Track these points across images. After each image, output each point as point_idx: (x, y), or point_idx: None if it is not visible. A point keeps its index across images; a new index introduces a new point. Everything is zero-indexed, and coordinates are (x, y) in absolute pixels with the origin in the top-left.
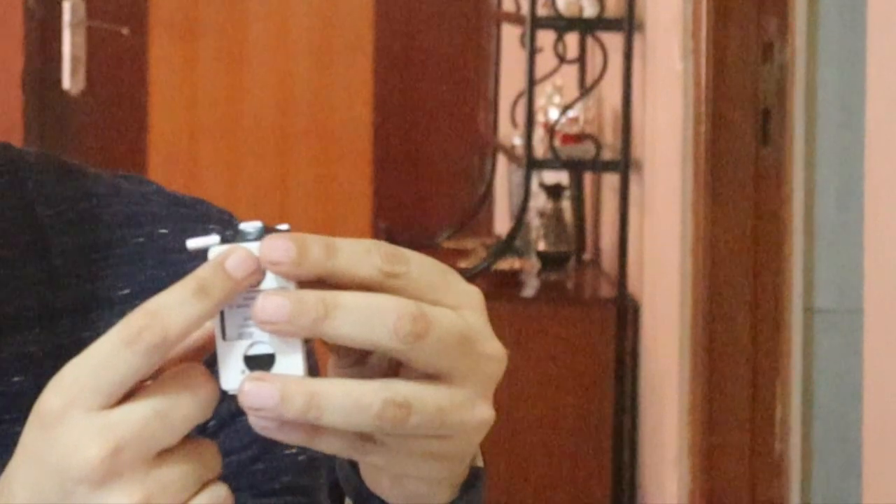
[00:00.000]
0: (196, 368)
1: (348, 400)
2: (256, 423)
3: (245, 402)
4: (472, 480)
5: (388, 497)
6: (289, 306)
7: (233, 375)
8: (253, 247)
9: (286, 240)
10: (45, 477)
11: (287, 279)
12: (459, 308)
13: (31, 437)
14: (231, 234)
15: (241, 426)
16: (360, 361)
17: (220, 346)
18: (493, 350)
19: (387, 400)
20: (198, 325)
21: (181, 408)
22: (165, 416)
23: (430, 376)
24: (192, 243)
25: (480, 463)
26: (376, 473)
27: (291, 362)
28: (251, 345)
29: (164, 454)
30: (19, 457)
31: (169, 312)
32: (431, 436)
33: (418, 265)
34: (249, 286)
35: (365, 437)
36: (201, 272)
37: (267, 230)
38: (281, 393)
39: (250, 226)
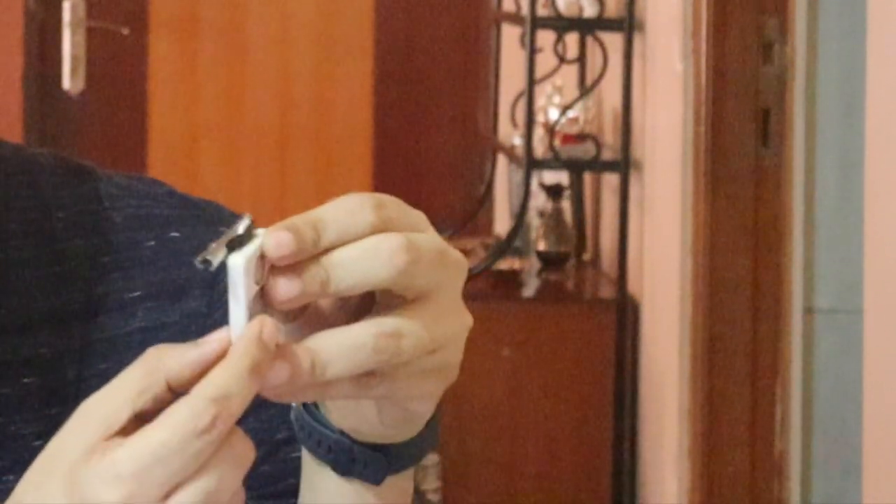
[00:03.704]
0: (238, 435)
1: (343, 346)
2: (270, 393)
3: (263, 390)
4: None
5: (375, 429)
6: (297, 281)
7: None
8: (252, 249)
9: (281, 235)
10: None
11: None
12: (421, 229)
13: None
14: (237, 241)
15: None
16: (297, 317)
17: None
18: (458, 257)
19: (378, 334)
20: (251, 399)
21: (229, 482)
22: (216, 494)
23: (410, 300)
24: (209, 258)
25: None
26: (358, 413)
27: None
28: None
29: None
30: None
31: (234, 398)
32: (425, 353)
33: (391, 204)
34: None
35: (369, 374)
36: (250, 350)
37: (251, 227)
38: (290, 367)
39: (241, 226)
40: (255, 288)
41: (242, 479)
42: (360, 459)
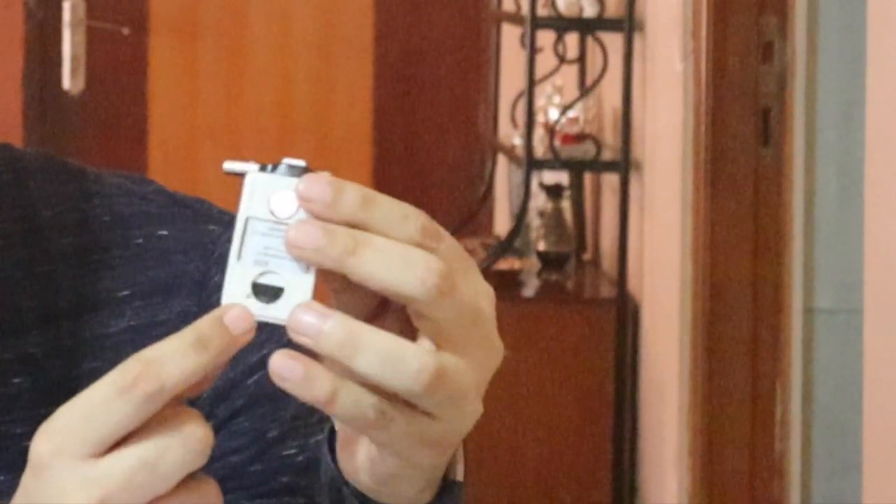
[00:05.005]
0: (187, 413)
1: (388, 352)
2: (284, 371)
3: (292, 325)
4: (449, 489)
5: (363, 479)
6: (320, 234)
7: (237, 296)
8: (290, 182)
9: (325, 181)
10: None
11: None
12: (476, 291)
13: (26, 480)
14: (271, 166)
15: (240, 427)
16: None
17: (232, 265)
18: (497, 341)
19: (426, 365)
20: (194, 377)
21: (170, 457)
22: (154, 467)
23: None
24: (229, 166)
25: (460, 476)
26: (354, 457)
27: (299, 300)
28: (263, 273)
29: (156, 501)
30: (21, 496)
31: (166, 363)
32: (427, 415)
33: (448, 246)
34: (246, 342)
35: (379, 414)
36: (200, 325)
37: (309, 171)
38: (323, 322)
39: (294, 162)
40: (270, 217)
41: (189, 463)
42: (348, 501)
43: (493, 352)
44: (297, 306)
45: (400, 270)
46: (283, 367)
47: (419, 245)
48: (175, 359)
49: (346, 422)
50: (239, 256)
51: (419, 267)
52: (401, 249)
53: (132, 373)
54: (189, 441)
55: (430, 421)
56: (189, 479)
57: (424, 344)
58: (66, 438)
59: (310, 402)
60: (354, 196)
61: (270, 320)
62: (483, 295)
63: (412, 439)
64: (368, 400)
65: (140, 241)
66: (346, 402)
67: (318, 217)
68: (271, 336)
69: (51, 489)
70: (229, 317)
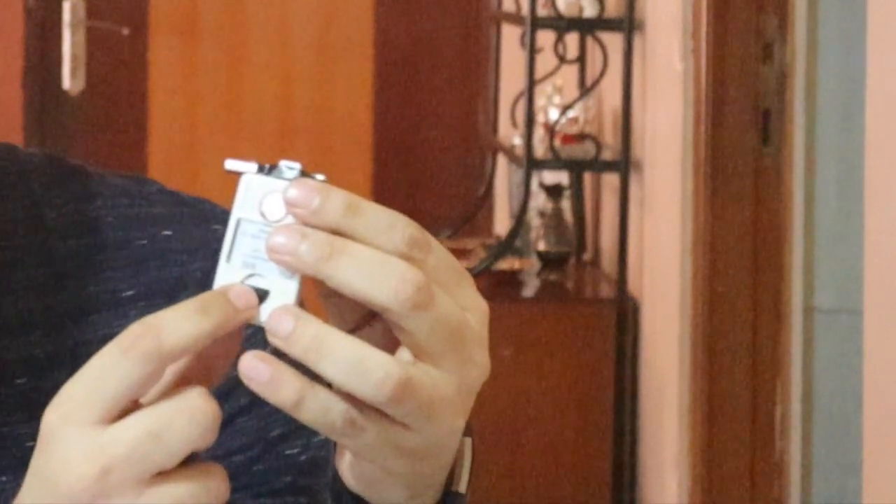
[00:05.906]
0: (195, 390)
1: (353, 358)
2: (250, 369)
3: (267, 327)
4: (449, 500)
5: (349, 481)
6: (297, 239)
7: None
8: (282, 185)
9: (311, 188)
10: (43, 492)
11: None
12: (464, 310)
13: (35, 451)
14: (269, 167)
15: (243, 426)
16: (358, 329)
17: (221, 265)
18: (481, 358)
19: (390, 374)
20: (195, 341)
21: (177, 430)
22: (159, 438)
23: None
24: (230, 164)
25: (464, 486)
26: (341, 458)
27: (281, 304)
28: (250, 275)
29: (161, 476)
30: (29, 470)
31: (166, 324)
32: (402, 426)
33: (437, 258)
34: (248, 318)
35: (350, 422)
36: (204, 295)
37: (303, 175)
38: (293, 324)
39: (290, 165)
40: (261, 219)
41: (195, 438)
42: (344, 501)
43: (474, 368)
44: (275, 309)
45: (375, 280)
46: (250, 368)
47: (404, 255)
48: (175, 320)
49: (316, 428)
50: (228, 257)
51: (395, 277)
52: (379, 259)
53: (133, 334)
54: (195, 414)
55: (403, 431)
56: (195, 462)
57: (402, 354)
58: (72, 405)
59: (277, 406)
60: (339, 203)
61: (252, 322)
62: (473, 310)
63: (385, 448)
64: (338, 407)
65: (144, 241)
66: (313, 408)
67: (303, 222)
68: None
69: (54, 460)
70: (233, 292)
